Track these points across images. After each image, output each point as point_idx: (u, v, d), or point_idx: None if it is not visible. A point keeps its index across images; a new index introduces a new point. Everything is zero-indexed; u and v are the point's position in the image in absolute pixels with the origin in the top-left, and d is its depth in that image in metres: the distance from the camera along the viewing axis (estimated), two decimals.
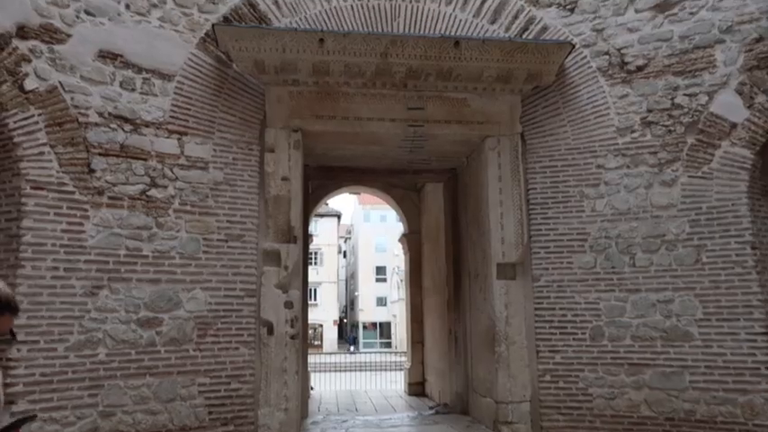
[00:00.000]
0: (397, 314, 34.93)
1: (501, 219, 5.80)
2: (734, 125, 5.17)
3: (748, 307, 4.97)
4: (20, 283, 4.22)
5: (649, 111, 5.55)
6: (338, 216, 40.83)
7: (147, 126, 5.02)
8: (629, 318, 5.40)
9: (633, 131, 5.59)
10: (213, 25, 5.31)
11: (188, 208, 5.15)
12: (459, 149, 6.54)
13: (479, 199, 6.21)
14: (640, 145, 5.54)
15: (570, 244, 5.69)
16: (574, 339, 5.56)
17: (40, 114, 4.43)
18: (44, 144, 4.43)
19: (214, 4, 5.53)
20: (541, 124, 5.93)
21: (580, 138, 5.77)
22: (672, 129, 5.44)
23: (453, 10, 6.05)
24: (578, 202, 5.70)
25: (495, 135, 5.91)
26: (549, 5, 6.03)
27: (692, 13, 5.47)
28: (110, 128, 4.82)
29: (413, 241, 9.92)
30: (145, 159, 4.98)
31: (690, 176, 5.31)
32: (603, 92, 5.73)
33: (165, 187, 5.06)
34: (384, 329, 41.29)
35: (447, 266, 7.72)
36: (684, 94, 5.42)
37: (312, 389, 9.81)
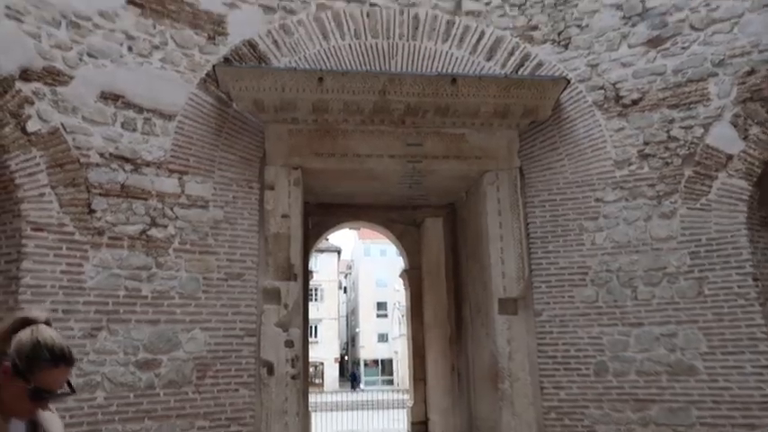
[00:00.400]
0: (399, 350, 34.53)
1: (501, 253, 5.79)
2: (730, 157, 5.21)
3: (753, 339, 4.92)
4: None
5: (646, 143, 5.60)
6: (338, 251, 40.78)
7: (147, 166, 5.05)
8: (632, 352, 5.34)
9: (630, 164, 5.63)
10: (214, 66, 5.40)
11: (188, 247, 5.14)
12: (459, 184, 6.57)
13: (479, 233, 6.21)
14: (638, 177, 5.57)
15: (571, 278, 5.66)
16: (578, 375, 5.48)
17: (41, 156, 4.46)
18: (45, 185, 4.45)
19: (215, 44, 5.63)
20: (539, 158, 5.97)
21: (578, 171, 5.80)
22: (669, 161, 5.48)
23: (450, 48, 6.17)
24: (578, 236, 5.70)
25: (494, 170, 5.95)
26: (544, 42, 6.14)
27: (684, 48, 5.57)
28: (111, 168, 4.85)
29: (413, 277, 9.87)
30: (145, 199, 4.99)
31: (688, 208, 5.33)
32: (600, 125, 5.80)
33: (166, 227, 5.07)
34: (386, 366, 40.76)
35: (448, 302, 7.67)
36: (680, 127, 5.48)
37: None
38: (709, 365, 5.04)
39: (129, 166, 4.95)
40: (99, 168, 4.78)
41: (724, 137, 5.26)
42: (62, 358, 1.52)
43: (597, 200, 5.69)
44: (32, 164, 4.41)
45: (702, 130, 5.36)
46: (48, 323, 1.58)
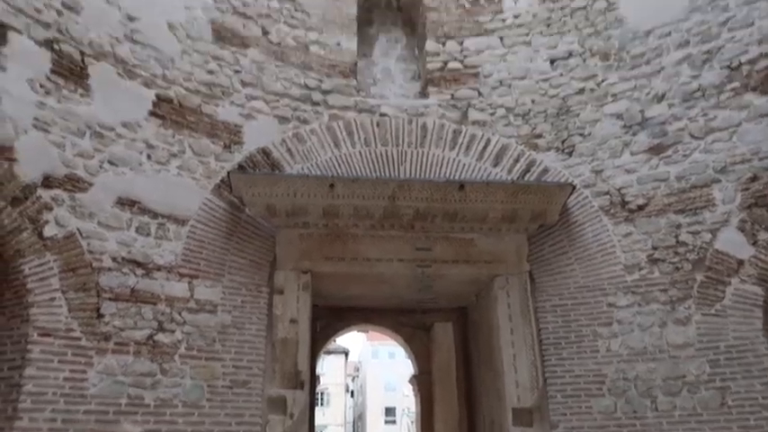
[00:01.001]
0: None
1: (514, 360, 5.64)
2: (741, 262, 5.19)
3: None
4: None
5: (655, 248, 5.60)
6: (346, 353, 39.83)
7: (158, 270, 5.09)
8: None
9: (641, 269, 5.60)
10: (229, 172, 5.58)
11: (194, 353, 5.06)
12: (468, 288, 6.53)
13: (491, 339, 6.09)
14: (649, 282, 5.52)
15: (587, 387, 5.46)
16: None
17: (55, 260, 4.52)
18: (56, 290, 4.47)
19: (230, 152, 5.85)
20: (549, 262, 5.97)
21: (588, 276, 5.77)
22: (679, 266, 5.45)
23: (457, 155, 6.36)
24: (592, 342, 5.57)
25: (504, 274, 5.93)
26: (548, 149, 6.33)
27: (685, 155, 5.70)
28: (122, 272, 4.88)
29: (423, 382, 9.54)
30: (154, 303, 4.98)
31: (703, 314, 5.23)
32: (608, 230, 5.83)
33: (173, 332, 5.01)
34: None
35: (460, 411, 7.37)
36: (688, 232, 5.50)
37: None
38: None
39: (140, 271, 4.99)
40: (110, 273, 4.81)
41: (733, 242, 5.27)
42: None
43: (609, 305, 5.61)
44: (45, 268, 4.46)
45: (710, 236, 5.38)
46: None
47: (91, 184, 4.89)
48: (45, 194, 4.57)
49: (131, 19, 5.43)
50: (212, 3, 6.10)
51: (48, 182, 4.62)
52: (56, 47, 4.82)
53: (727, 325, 5.12)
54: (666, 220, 5.61)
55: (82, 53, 5.00)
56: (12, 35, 4.53)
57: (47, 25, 4.79)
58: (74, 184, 4.79)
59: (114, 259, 4.87)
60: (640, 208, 5.75)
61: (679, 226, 5.54)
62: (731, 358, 5.03)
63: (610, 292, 5.65)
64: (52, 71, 4.77)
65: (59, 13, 4.91)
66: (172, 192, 5.35)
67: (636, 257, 5.64)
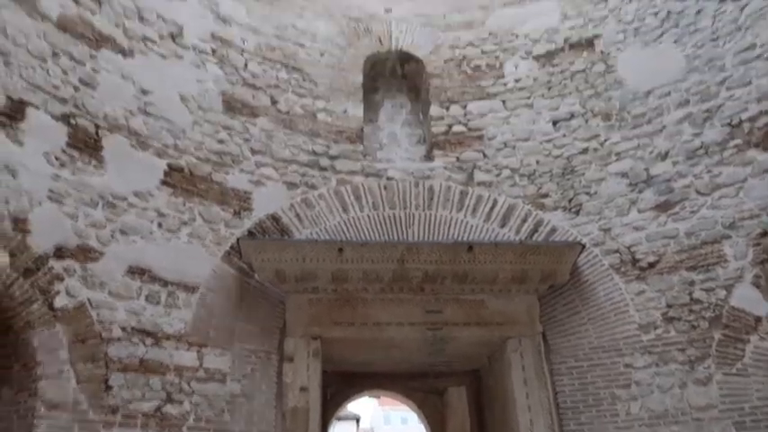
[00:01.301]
0: None
1: (531, 426, 5.47)
2: (758, 319, 5.09)
3: None
4: None
5: (669, 306, 5.52)
6: (357, 419, 38.58)
7: (167, 339, 5.04)
8: None
9: (656, 328, 5.50)
10: (238, 239, 5.62)
11: (202, 424, 4.94)
12: (481, 351, 6.41)
13: (506, 404, 5.92)
14: (666, 342, 5.41)
15: None
16: None
17: (64, 331, 4.50)
18: (65, 361, 4.42)
19: (240, 219, 5.90)
20: (562, 323, 5.88)
21: (603, 336, 5.67)
22: (695, 324, 5.35)
23: (464, 216, 6.39)
24: (611, 405, 5.40)
25: (516, 336, 5.84)
26: (555, 209, 6.35)
27: (693, 212, 5.70)
28: (131, 342, 4.84)
29: None
30: (163, 374, 4.91)
31: (724, 374, 5.09)
32: (620, 289, 5.77)
33: (181, 402, 4.92)
34: None
35: None
36: (702, 289, 5.43)
37: None
38: None
39: (149, 340, 4.94)
40: (120, 343, 4.77)
41: (748, 298, 5.19)
42: None
43: (627, 366, 5.48)
44: (55, 340, 4.43)
45: (725, 292, 5.30)
46: None
47: (102, 254, 4.92)
48: (57, 265, 4.60)
49: (145, 92, 5.61)
50: (223, 75, 6.32)
51: (60, 252, 4.65)
52: (72, 121, 4.97)
53: (749, 384, 4.97)
54: (679, 278, 5.55)
55: (97, 126, 5.14)
56: (30, 111, 4.68)
57: (63, 100, 4.95)
58: (85, 254, 4.82)
59: (124, 329, 4.84)
60: (651, 265, 5.70)
61: (692, 283, 5.48)
62: (757, 420, 4.86)
63: (626, 352, 5.53)
64: (68, 144, 4.89)
65: (76, 88, 5.08)
66: (182, 259, 5.37)
67: (650, 316, 5.55)
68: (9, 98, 4.53)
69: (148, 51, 5.74)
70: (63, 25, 5.09)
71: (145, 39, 5.75)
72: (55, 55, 4.95)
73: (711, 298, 5.35)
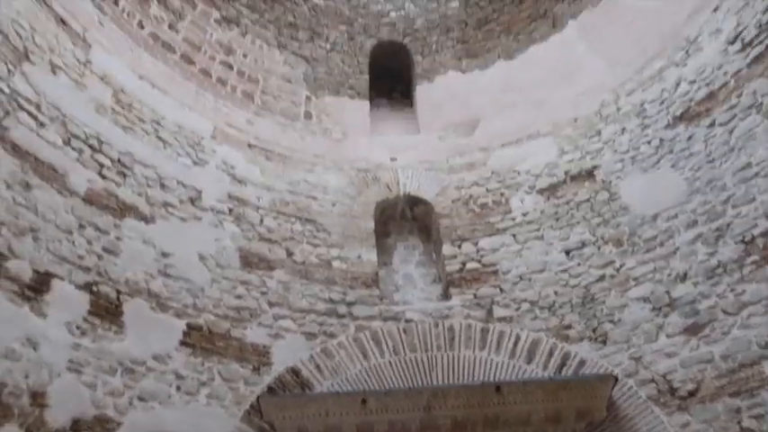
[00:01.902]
0: None
1: None
2: None
3: None
4: None
5: None
6: None
7: None
8: None
9: None
10: (258, 397, 5.45)
11: None
12: None
13: None
14: None
15: None
16: None
17: None
18: None
19: (259, 375, 5.78)
20: None
21: None
22: None
23: (488, 354, 6.22)
24: None
25: None
26: (581, 339, 6.17)
27: (724, 333, 5.49)
28: None
29: None
30: None
31: None
32: (662, 422, 5.41)
33: None
34: None
35: None
36: (750, 417, 5.07)
37: None
38: None
39: None
40: None
41: None
42: None
43: None
44: None
45: None
46: None
47: (120, 424, 4.78)
48: None
49: (165, 255, 5.79)
50: (240, 232, 6.54)
51: (77, 426, 4.53)
52: (94, 288, 5.09)
53: None
54: (723, 406, 5.22)
55: (118, 291, 5.25)
56: (54, 282, 4.82)
57: (87, 269, 5.11)
58: (103, 425, 4.68)
59: None
60: (692, 394, 5.40)
61: (738, 410, 5.15)
62: None
63: None
64: (89, 312, 4.97)
65: (99, 257, 5.26)
66: (202, 423, 5.19)
67: None
68: (36, 271, 4.69)
69: (169, 216, 6.02)
70: (90, 199, 5.41)
71: (166, 204, 6.06)
72: (81, 227, 5.20)
73: (763, 426, 4.99)
